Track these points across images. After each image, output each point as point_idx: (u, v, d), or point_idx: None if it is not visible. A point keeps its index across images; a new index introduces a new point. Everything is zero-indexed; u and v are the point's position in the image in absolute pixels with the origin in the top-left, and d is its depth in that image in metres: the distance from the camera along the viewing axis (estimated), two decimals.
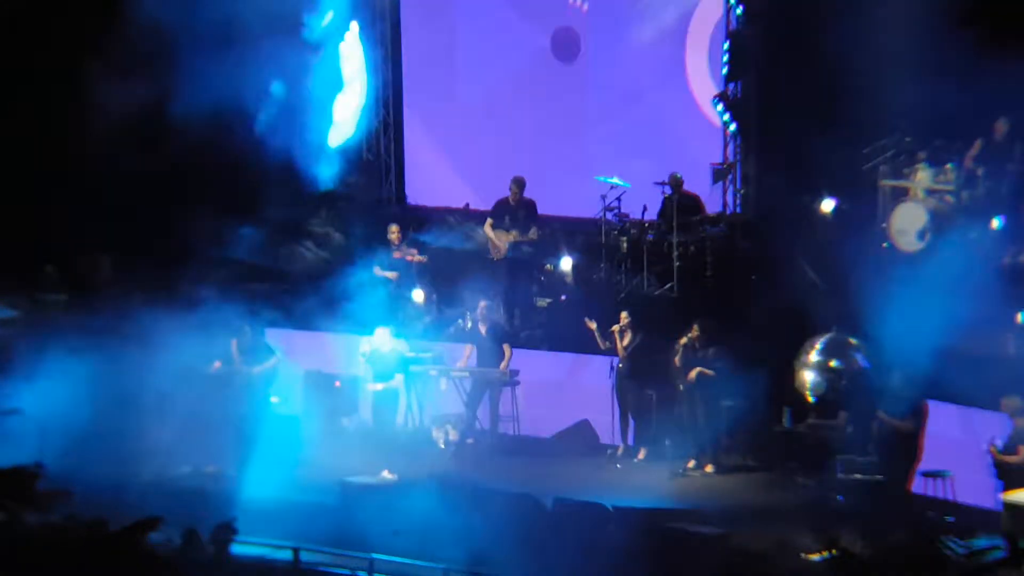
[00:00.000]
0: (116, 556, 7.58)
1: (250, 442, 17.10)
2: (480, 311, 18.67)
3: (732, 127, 19.77)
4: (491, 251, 19.74)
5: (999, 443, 14.85)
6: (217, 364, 17.65)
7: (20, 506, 7.28)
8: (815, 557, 13.69)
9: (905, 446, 15.25)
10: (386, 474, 16.85)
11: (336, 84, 20.85)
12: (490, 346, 18.55)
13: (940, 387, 15.91)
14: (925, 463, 15.48)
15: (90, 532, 7.77)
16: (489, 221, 19.72)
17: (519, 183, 19.63)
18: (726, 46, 19.60)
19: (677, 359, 17.41)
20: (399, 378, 18.05)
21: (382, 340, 18.01)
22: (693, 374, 17.22)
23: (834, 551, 7.28)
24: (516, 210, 19.61)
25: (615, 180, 19.75)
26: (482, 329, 18.65)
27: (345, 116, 20.97)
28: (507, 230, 19.58)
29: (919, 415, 15.43)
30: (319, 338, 19.21)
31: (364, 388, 18.47)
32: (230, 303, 17.64)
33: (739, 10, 19.52)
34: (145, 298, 17.41)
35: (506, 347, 18.56)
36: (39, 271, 19.37)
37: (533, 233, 19.50)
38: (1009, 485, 14.51)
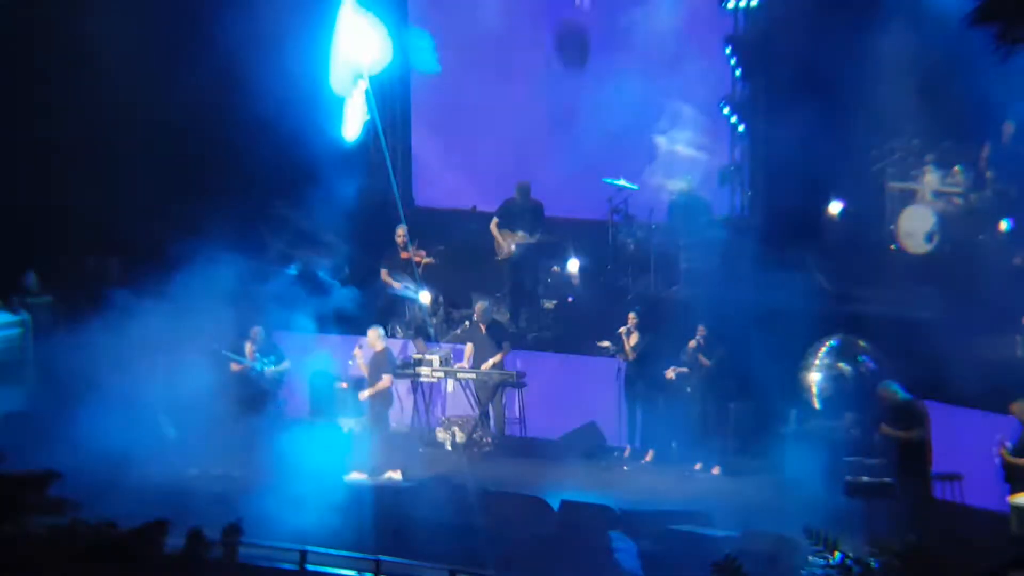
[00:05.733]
0: (124, 558, 7.55)
1: (259, 444, 17.14)
2: (479, 310, 18.66)
3: (741, 128, 19.72)
4: (497, 251, 19.82)
5: (1009, 445, 14.83)
6: (235, 367, 17.67)
7: (32, 512, 7.26)
8: (824, 560, 13.67)
9: (915, 454, 15.21)
10: (391, 474, 16.85)
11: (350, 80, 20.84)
12: (490, 345, 18.55)
13: (949, 390, 15.89)
14: (935, 466, 15.45)
15: (97, 534, 7.73)
16: (495, 220, 19.79)
17: (523, 188, 19.72)
18: (728, 50, 19.56)
19: (675, 372, 17.46)
20: (387, 379, 17.84)
21: (373, 340, 17.92)
22: (671, 373, 17.33)
23: (838, 554, 7.21)
24: (522, 212, 19.66)
25: (622, 183, 19.77)
26: (482, 328, 18.64)
27: (355, 114, 20.96)
28: (513, 231, 19.63)
29: (922, 421, 15.38)
30: (325, 340, 19.15)
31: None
32: (240, 302, 17.65)
33: (752, 2, 19.37)
34: (153, 298, 17.38)
35: (506, 345, 18.54)
36: (23, 275, 19.36)
37: (535, 236, 19.55)
38: (1017, 487, 14.48)
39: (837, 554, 7.23)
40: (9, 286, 19.14)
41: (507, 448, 18.33)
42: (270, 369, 17.88)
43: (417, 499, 15.78)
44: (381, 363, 17.55)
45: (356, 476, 16.95)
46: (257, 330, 17.96)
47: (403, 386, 18.85)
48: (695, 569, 13.96)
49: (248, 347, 17.89)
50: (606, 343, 18.12)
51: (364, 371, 17.76)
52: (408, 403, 18.89)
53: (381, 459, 17.25)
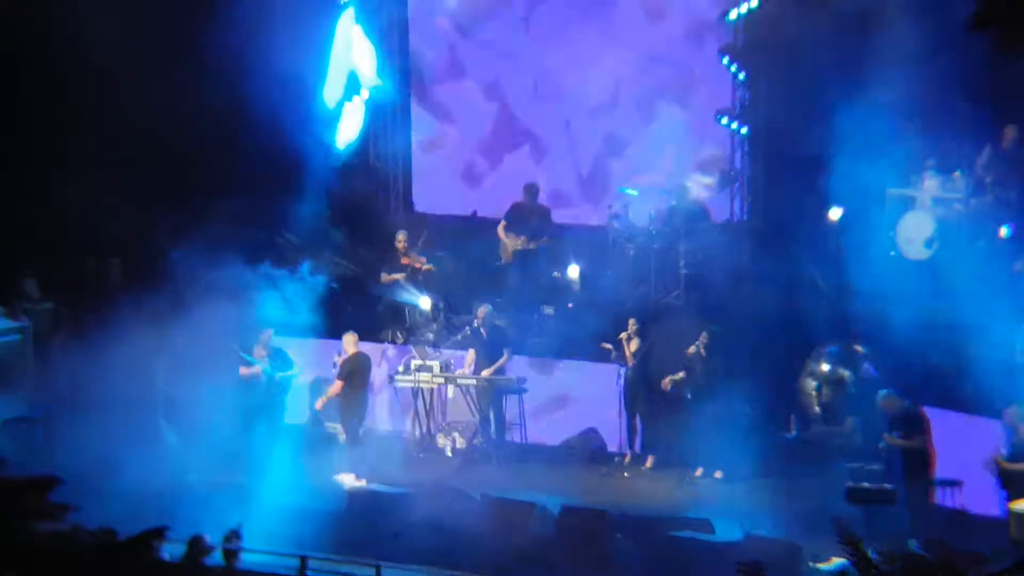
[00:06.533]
0: (124, 565, 7.55)
1: (261, 450, 17.16)
2: (481, 316, 18.64)
3: (744, 130, 19.71)
4: (501, 254, 19.87)
5: (1004, 451, 14.85)
6: (244, 370, 17.63)
7: (32, 516, 7.27)
8: (825, 566, 13.69)
9: (918, 461, 15.24)
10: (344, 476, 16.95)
11: (348, 88, 20.85)
12: (491, 351, 18.53)
13: (949, 396, 15.89)
14: (936, 472, 15.48)
15: (98, 541, 7.74)
16: (503, 223, 19.83)
17: (531, 190, 19.77)
18: (725, 60, 19.54)
19: (678, 377, 17.45)
20: (336, 384, 17.85)
21: (347, 344, 17.94)
22: (667, 383, 17.36)
23: (854, 552, 7.23)
24: (529, 215, 19.71)
25: (629, 190, 19.81)
26: (483, 333, 18.63)
27: (352, 121, 20.97)
28: (518, 235, 19.67)
29: (922, 428, 15.40)
30: (325, 345, 19.13)
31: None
32: (240, 307, 17.64)
33: (752, 3, 19.32)
34: (159, 300, 17.38)
35: (506, 351, 18.52)
36: (20, 281, 19.33)
37: (535, 242, 19.60)
38: (1014, 493, 14.49)
39: (859, 550, 7.23)
40: (9, 292, 19.12)
41: (507, 454, 18.31)
42: (279, 374, 17.85)
43: (417, 504, 15.78)
44: (343, 368, 17.63)
45: (345, 478, 17.04)
46: (269, 333, 17.88)
47: (404, 392, 18.91)
48: (696, 575, 14.01)
49: (259, 351, 17.82)
50: (608, 345, 18.09)
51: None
52: (409, 408, 18.91)
53: (355, 462, 17.33)
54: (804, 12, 18.25)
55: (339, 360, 17.84)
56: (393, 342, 19.64)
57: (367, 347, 18.51)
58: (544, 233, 19.75)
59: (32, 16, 19.92)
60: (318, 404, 18.06)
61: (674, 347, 17.77)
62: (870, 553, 7.28)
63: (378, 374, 18.90)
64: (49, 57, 20.01)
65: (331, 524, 15.25)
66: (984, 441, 15.37)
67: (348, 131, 20.94)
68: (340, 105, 20.79)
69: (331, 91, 20.67)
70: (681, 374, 17.48)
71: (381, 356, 19.28)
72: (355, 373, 17.77)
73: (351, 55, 20.70)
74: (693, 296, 19.13)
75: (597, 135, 20.72)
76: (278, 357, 17.96)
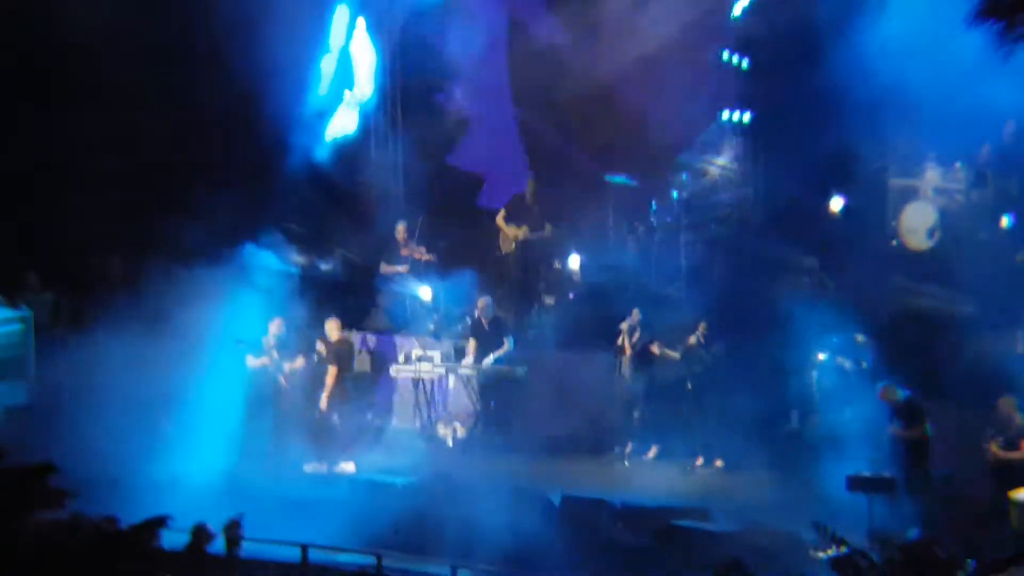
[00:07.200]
0: (126, 554, 7.58)
1: (265, 438, 17.20)
2: (481, 307, 18.67)
3: (747, 117, 19.72)
4: (501, 244, 19.87)
5: (999, 441, 14.87)
6: (253, 361, 17.61)
7: (31, 504, 7.30)
8: (824, 555, 13.70)
9: (917, 451, 15.27)
10: (345, 466, 16.94)
11: (344, 80, 20.88)
12: (492, 341, 18.56)
13: (949, 386, 15.91)
14: (936, 462, 15.50)
15: (99, 530, 7.78)
16: (502, 213, 19.85)
17: (532, 183, 19.79)
18: (725, 54, 19.55)
19: (672, 354, 17.48)
20: (331, 371, 17.92)
21: (331, 331, 17.96)
22: (655, 348, 17.35)
23: (844, 548, 7.27)
24: (531, 207, 19.74)
25: (623, 180, 19.83)
26: (484, 324, 18.66)
27: (350, 113, 21.00)
28: (519, 225, 19.69)
29: (922, 418, 15.43)
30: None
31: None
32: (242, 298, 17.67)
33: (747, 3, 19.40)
34: (159, 292, 17.39)
35: (507, 341, 18.55)
36: (21, 275, 19.34)
37: (537, 233, 19.61)
38: (1011, 483, 14.52)
39: (843, 548, 7.27)
40: (10, 284, 19.14)
41: (508, 444, 18.33)
42: (288, 364, 17.83)
43: (418, 494, 15.81)
44: (329, 354, 17.69)
45: (314, 467, 17.06)
46: (277, 323, 17.84)
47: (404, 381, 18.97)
48: (696, 565, 14.02)
49: (267, 341, 17.79)
50: (625, 324, 17.98)
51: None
52: (410, 398, 18.94)
53: (337, 449, 17.36)
54: (806, 2, 18.27)
55: (322, 347, 17.86)
56: (393, 332, 19.68)
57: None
58: (544, 224, 19.79)
59: (32, 16, 19.92)
60: (323, 400, 17.97)
61: (675, 338, 17.79)
62: (857, 549, 7.31)
63: (362, 361, 19.01)
64: (49, 57, 20.00)
65: (332, 513, 15.27)
66: (982, 431, 15.38)
67: (346, 124, 20.97)
68: (339, 99, 20.81)
69: (328, 86, 20.70)
70: (677, 353, 17.49)
71: (360, 343, 19.31)
72: (342, 359, 17.84)
73: (349, 51, 20.73)
74: (694, 287, 19.14)
75: (600, 127, 20.72)
76: (287, 346, 17.95)
